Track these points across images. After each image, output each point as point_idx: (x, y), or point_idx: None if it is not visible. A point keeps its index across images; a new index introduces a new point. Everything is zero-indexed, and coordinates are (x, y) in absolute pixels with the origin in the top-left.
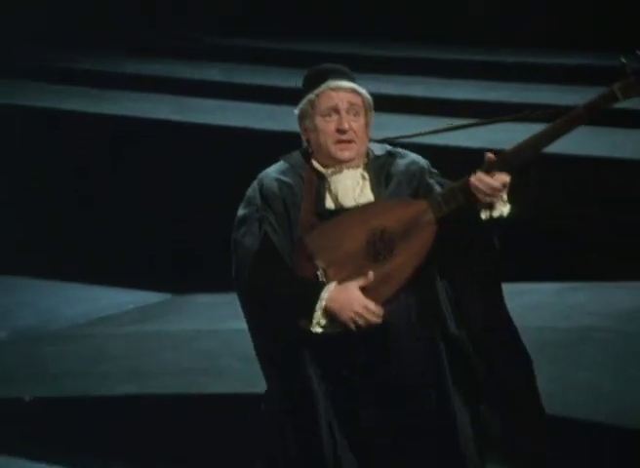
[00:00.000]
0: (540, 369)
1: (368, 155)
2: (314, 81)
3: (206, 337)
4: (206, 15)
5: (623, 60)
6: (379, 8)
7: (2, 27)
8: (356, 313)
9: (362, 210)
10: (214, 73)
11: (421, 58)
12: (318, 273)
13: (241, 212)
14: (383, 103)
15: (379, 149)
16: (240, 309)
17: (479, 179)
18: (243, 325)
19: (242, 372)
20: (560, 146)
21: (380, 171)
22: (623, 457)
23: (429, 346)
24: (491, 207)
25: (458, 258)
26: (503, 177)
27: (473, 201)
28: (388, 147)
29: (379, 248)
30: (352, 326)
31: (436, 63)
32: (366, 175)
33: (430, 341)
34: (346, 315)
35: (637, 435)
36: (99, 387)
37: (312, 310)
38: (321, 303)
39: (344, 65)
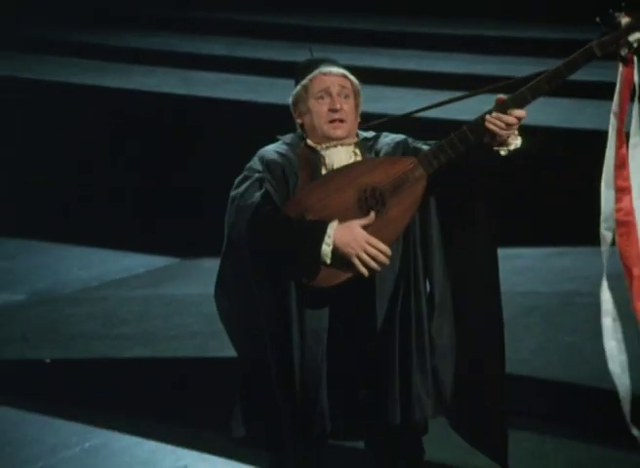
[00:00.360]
0: (525, 332)
1: (357, 136)
2: (307, 69)
3: (213, 302)
4: None
5: (599, 20)
6: None
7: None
8: (361, 247)
9: (349, 169)
10: (216, 47)
11: (413, 32)
12: None
13: (241, 176)
14: (377, 76)
15: (366, 133)
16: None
17: (496, 117)
18: None
19: None
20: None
21: (369, 149)
22: (603, 417)
23: (407, 304)
24: (505, 143)
25: (454, 199)
26: (518, 112)
27: (487, 139)
28: (373, 132)
29: (370, 203)
30: (358, 262)
31: (427, 37)
32: (357, 152)
33: (409, 300)
34: (352, 250)
35: (617, 396)
36: (114, 350)
37: (318, 249)
38: (328, 239)
39: (343, 39)
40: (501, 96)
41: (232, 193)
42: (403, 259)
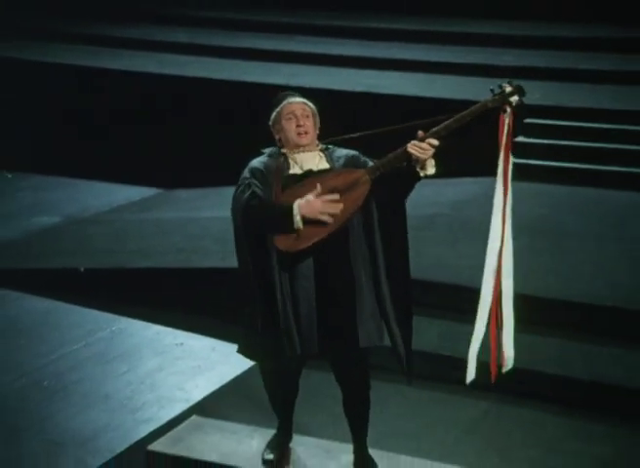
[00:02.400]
0: None
1: (318, 145)
2: (279, 101)
3: (191, 224)
4: None
5: (492, 88)
6: None
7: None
8: (321, 205)
9: (319, 176)
10: (180, 36)
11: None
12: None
13: (237, 185)
14: (293, 57)
15: (325, 145)
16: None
17: (414, 144)
18: (215, 214)
19: (218, 252)
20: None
21: (329, 155)
22: (458, 301)
23: (355, 262)
24: (424, 168)
25: (387, 200)
26: (432, 141)
27: (413, 163)
28: (330, 146)
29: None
30: (321, 215)
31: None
32: (321, 155)
33: (356, 260)
34: (316, 211)
35: (467, 290)
36: (127, 261)
37: (291, 217)
38: (296, 210)
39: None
40: (420, 131)
41: (233, 196)
42: (364, 229)
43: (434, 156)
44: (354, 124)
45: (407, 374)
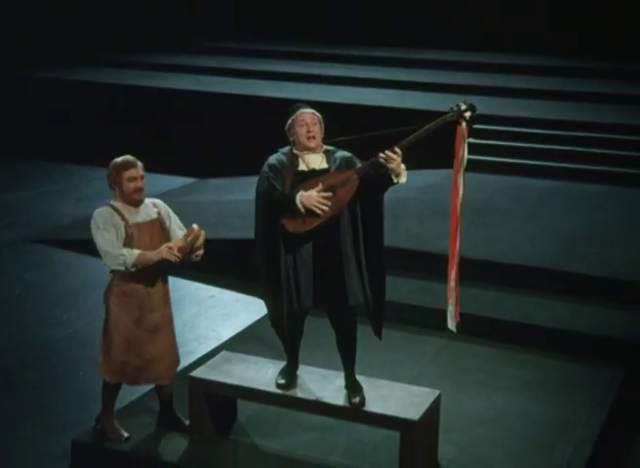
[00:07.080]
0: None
1: (322, 148)
2: (294, 111)
3: (219, 205)
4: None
5: (451, 106)
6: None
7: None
8: (316, 200)
9: (323, 176)
10: (211, 62)
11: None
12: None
13: (260, 177)
14: (297, 77)
15: (327, 147)
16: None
17: (382, 153)
18: (238, 197)
19: (241, 226)
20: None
21: (329, 157)
22: (423, 268)
23: (345, 243)
24: (397, 175)
25: (370, 194)
26: (395, 149)
27: (389, 171)
28: (331, 147)
29: (329, 191)
30: (314, 207)
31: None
32: (323, 156)
33: (347, 241)
34: (311, 203)
35: (430, 254)
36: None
37: (294, 205)
38: (297, 200)
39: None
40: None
41: (256, 187)
42: (350, 218)
43: (407, 168)
44: (344, 128)
45: (375, 326)
